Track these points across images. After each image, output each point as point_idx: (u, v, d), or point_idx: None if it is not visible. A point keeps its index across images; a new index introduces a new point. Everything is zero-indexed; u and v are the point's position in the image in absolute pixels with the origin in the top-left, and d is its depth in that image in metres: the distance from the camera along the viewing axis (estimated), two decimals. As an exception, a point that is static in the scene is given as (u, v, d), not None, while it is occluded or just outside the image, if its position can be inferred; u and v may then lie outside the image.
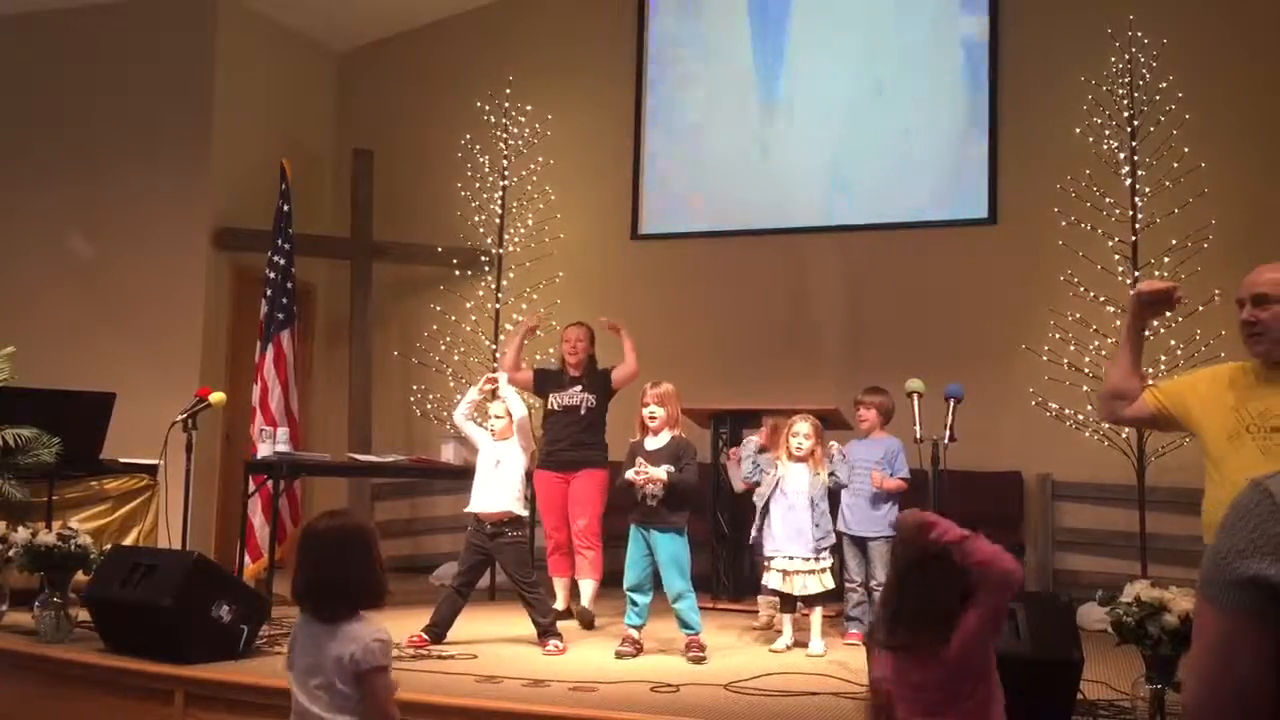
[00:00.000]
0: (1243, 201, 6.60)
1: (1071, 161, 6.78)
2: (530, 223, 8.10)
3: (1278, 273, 2.59)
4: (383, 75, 9.00)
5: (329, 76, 9.11)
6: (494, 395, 5.35)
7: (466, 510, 5.24)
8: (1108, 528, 6.81)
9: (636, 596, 4.95)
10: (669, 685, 4.19)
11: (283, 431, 6.38)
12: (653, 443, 5.03)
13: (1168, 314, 5.99)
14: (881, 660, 2.43)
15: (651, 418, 5.03)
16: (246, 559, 6.50)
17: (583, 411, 5.98)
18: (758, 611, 5.90)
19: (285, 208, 7.37)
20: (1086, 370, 6.46)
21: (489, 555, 5.20)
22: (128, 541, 5.83)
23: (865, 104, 7.84)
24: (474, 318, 8.02)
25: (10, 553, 4.85)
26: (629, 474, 4.93)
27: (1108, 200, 6.60)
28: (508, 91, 8.12)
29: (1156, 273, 6.29)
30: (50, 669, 4.48)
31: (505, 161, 8.08)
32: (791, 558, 5.03)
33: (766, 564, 5.20)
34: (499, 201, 8.09)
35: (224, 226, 7.95)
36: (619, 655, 4.84)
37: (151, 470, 6.13)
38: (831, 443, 5.21)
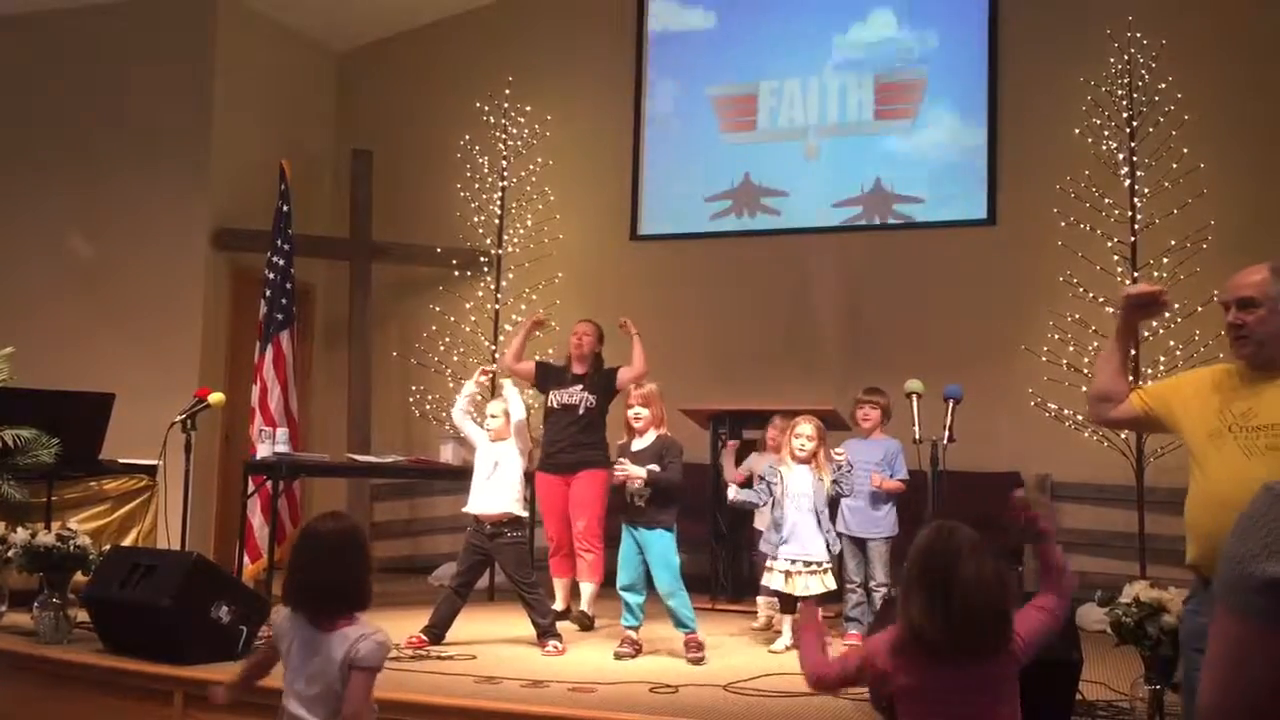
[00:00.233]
0: (1241, 202, 6.60)
1: (1071, 162, 6.78)
2: (529, 223, 8.10)
3: (1262, 275, 2.59)
4: (382, 76, 9.00)
5: (329, 77, 9.11)
6: (492, 388, 5.34)
7: (465, 511, 5.24)
8: (1107, 528, 6.81)
9: (629, 596, 4.95)
10: (668, 686, 4.19)
11: (282, 432, 6.38)
12: (639, 443, 5.04)
13: (1166, 314, 6.06)
14: (881, 648, 2.37)
15: (636, 418, 5.05)
16: (245, 559, 6.51)
17: (581, 411, 5.97)
18: (756, 612, 5.90)
19: (285, 208, 7.37)
20: (1086, 371, 6.46)
21: (488, 556, 5.20)
22: (127, 542, 5.83)
23: (865, 104, 7.84)
24: (473, 318, 8.03)
25: (9, 553, 4.85)
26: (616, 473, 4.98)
27: (1107, 201, 6.61)
28: (507, 92, 8.12)
29: (1155, 274, 6.30)
30: (49, 669, 4.48)
31: (505, 162, 8.08)
32: (794, 560, 5.03)
33: (769, 565, 5.21)
34: (498, 202, 8.09)
35: (223, 227, 7.94)
36: (618, 656, 4.85)
37: (151, 471, 6.12)
38: (836, 452, 5.18)
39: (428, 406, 8.07)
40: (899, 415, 5.46)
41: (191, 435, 5.62)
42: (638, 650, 4.91)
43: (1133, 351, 6.20)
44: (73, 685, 4.39)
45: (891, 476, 5.50)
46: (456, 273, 8.22)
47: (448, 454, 6.75)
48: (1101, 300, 6.45)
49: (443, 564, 7.48)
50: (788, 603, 5.11)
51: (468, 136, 8.15)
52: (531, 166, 8.09)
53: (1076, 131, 6.73)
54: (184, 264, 7.84)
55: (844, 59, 7.92)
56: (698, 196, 8.20)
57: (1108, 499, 6.74)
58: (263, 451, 6.20)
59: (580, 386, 6.01)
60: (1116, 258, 6.53)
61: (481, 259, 8.09)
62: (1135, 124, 6.58)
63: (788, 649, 5.05)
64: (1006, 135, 7.45)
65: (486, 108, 8.13)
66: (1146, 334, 6.33)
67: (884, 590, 5.43)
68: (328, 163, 8.93)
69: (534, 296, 7.94)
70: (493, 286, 8.00)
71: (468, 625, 5.25)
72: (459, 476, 6.10)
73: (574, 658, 4.87)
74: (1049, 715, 3.48)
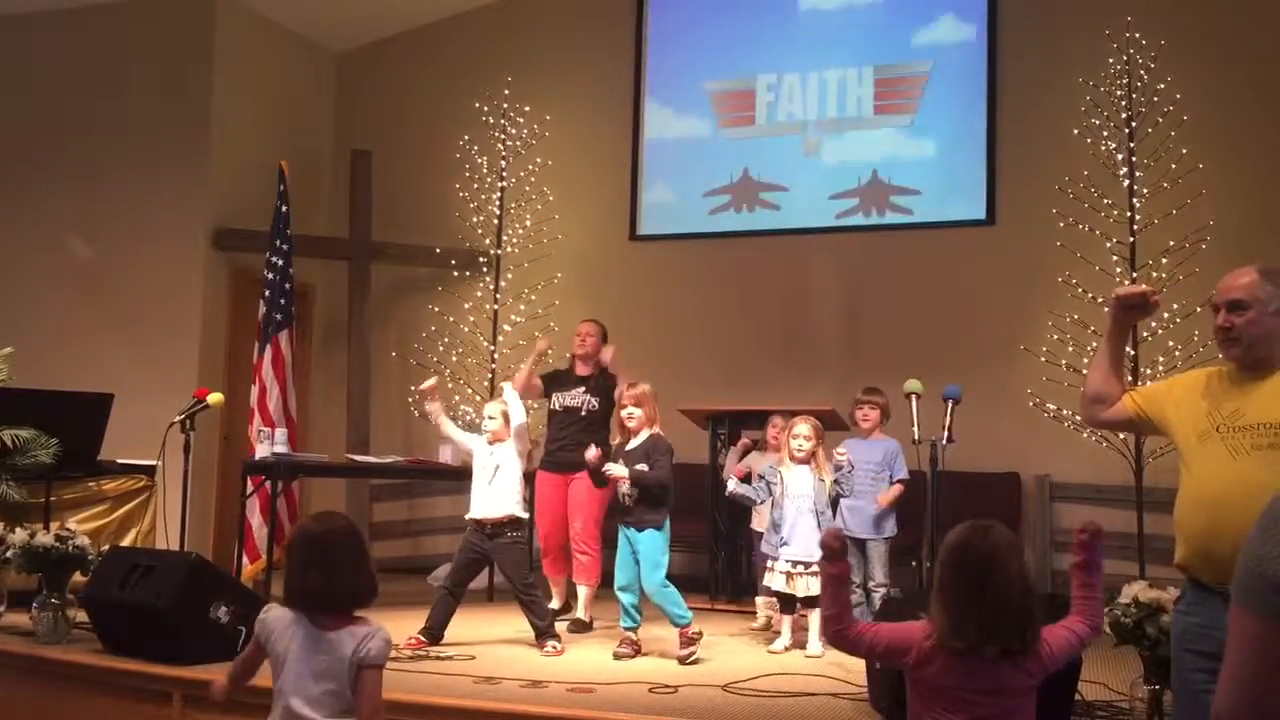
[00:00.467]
0: (1241, 202, 6.60)
1: (1070, 163, 6.79)
2: (529, 223, 8.10)
3: (1250, 277, 2.60)
4: (381, 76, 9.00)
5: (328, 77, 9.11)
6: (491, 389, 5.34)
7: (467, 517, 5.22)
8: (1106, 529, 6.78)
9: (625, 597, 4.95)
10: (667, 686, 4.19)
11: (281, 432, 6.38)
12: (632, 443, 5.05)
13: (1164, 315, 6.07)
14: (916, 637, 2.37)
15: (629, 418, 5.05)
16: (244, 560, 6.51)
17: (583, 412, 5.96)
18: (756, 613, 5.89)
19: (284, 208, 7.38)
20: (1085, 371, 6.43)
21: (485, 556, 5.20)
22: (126, 542, 5.82)
23: (865, 100, 7.85)
24: (472, 319, 8.02)
25: (8, 553, 4.84)
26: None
27: (1106, 201, 6.61)
28: (506, 92, 8.11)
29: (1154, 274, 6.30)
30: (48, 670, 4.48)
31: (504, 162, 8.08)
32: (795, 561, 5.03)
33: (769, 565, 5.20)
34: (497, 202, 8.09)
35: (222, 227, 7.94)
36: (617, 656, 4.85)
37: (149, 471, 6.11)
38: (838, 451, 5.18)
39: (427, 407, 8.05)
40: (898, 415, 5.46)
41: (190, 435, 5.62)
42: (637, 650, 4.91)
43: (1131, 352, 6.23)
44: (71, 685, 4.39)
45: (891, 476, 5.52)
46: (455, 273, 8.22)
47: (447, 454, 6.74)
48: (1100, 301, 6.44)
49: (441, 564, 7.46)
50: (787, 603, 5.11)
51: (467, 137, 8.15)
52: (531, 166, 8.09)
53: (1075, 131, 6.73)
54: (183, 264, 7.83)
55: (845, 55, 7.92)
56: (697, 195, 8.20)
57: (1106, 499, 6.74)
58: (261, 452, 6.20)
59: (583, 388, 5.99)
60: (1115, 258, 6.53)
61: (481, 259, 8.09)
62: (1134, 124, 6.58)
63: (787, 649, 5.06)
64: (1005, 135, 7.45)
65: (485, 108, 8.13)
66: (1145, 334, 6.33)
67: (883, 590, 5.44)
68: (327, 163, 8.93)
69: (533, 297, 7.94)
70: (492, 287, 8.00)
71: (467, 625, 5.25)
72: (458, 477, 6.10)
73: (573, 658, 4.88)
74: (1048, 715, 3.48)
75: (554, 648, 4.94)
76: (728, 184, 8.14)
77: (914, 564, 6.35)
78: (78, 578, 4.90)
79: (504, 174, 8.08)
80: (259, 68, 8.34)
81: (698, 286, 8.00)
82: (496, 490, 5.12)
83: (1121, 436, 6.22)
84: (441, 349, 8.04)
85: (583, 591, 5.78)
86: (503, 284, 8.02)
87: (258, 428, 6.76)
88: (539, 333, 7.20)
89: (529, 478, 6.24)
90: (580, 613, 5.74)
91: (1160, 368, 6.22)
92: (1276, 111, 6.79)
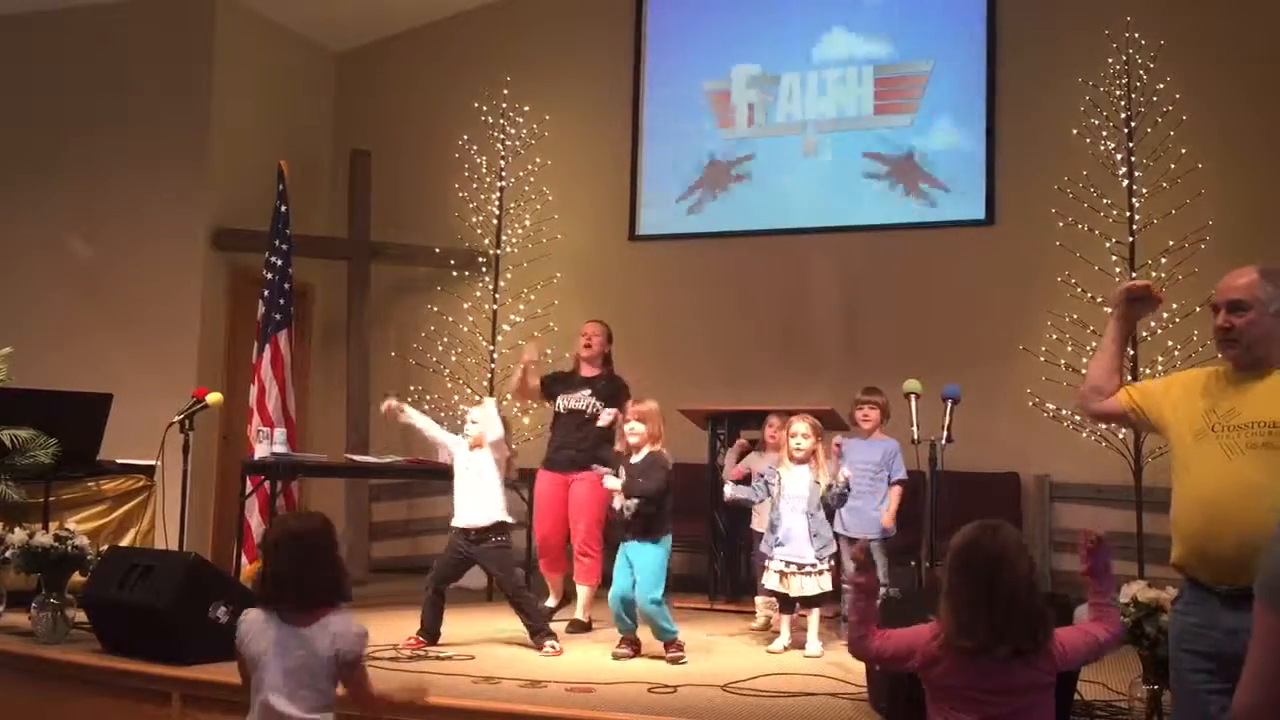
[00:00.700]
0: (1240, 202, 6.60)
1: (1069, 162, 6.78)
2: (528, 223, 8.09)
3: (1250, 277, 2.60)
4: (380, 76, 9.00)
5: (327, 77, 9.11)
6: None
7: (453, 524, 5.19)
8: (1105, 528, 6.80)
9: (619, 607, 4.93)
10: (666, 686, 4.19)
11: (280, 432, 6.38)
12: (634, 458, 5.03)
13: (1164, 314, 6.07)
14: (924, 640, 2.37)
15: (631, 433, 5.03)
16: (243, 560, 6.50)
17: (587, 415, 5.91)
18: (755, 613, 5.89)
19: (283, 208, 7.38)
20: (1084, 371, 6.44)
21: (469, 559, 5.17)
22: (125, 542, 5.82)
23: (864, 100, 7.84)
24: (471, 319, 8.02)
25: (7, 553, 4.84)
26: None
27: (1105, 201, 6.61)
28: (505, 92, 8.11)
29: (1154, 274, 6.29)
30: (47, 670, 4.48)
31: (503, 162, 8.08)
32: (789, 561, 5.02)
33: (765, 565, 5.20)
34: (496, 202, 8.09)
35: (222, 227, 7.94)
36: (616, 656, 4.85)
37: (149, 471, 6.11)
38: (837, 442, 5.17)
39: (426, 407, 8.03)
40: (897, 415, 5.46)
41: (190, 435, 5.61)
42: (636, 650, 4.91)
43: (1131, 352, 6.22)
44: (70, 685, 4.39)
45: (890, 476, 5.51)
46: (455, 273, 8.21)
47: (445, 455, 6.73)
48: (1100, 300, 6.44)
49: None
50: (787, 603, 5.11)
51: (466, 136, 8.14)
52: (530, 166, 8.09)
53: (1074, 131, 6.73)
54: (183, 264, 7.83)
55: (845, 56, 7.92)
56: (695, 196, 8.21)
57: (1106, 499, 6.74)
58: (261, 452, 6.19)
59: (588, 391, 5.93)
60: (1115, 258, 6.53)
61: (480, 259, 8.08)
62: (1133, 124, 6.58)
63: (786, 649, 5.05)
64: (1005, 135, 7.45)
65: (485, 108, 8.13)
66: (1145, 334, 6.33)
67: (883, 590, 5.43)
68: (326, 163, 8.93)
69: (532, 297, 7.93)
70: (491, 287, 7.99)
71: (466, 625, 5.26)
72: (457, 477, 6.09)
73: (572, 658, 4.88)
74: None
75: (553, 647, 4.94)
76: (698, 179, 8.15)
77: (913, 564, 6.35)
78: (77, 578, 4.90)
79: (503, 174, 8.08)
80: (259, 68, 8.34)
81: (697, 286, 8.00)
82: (481, 497, 5.11)
83: (1121, 436, 6.23)
84: (441, 349, 8.04)
85: (583, 592, 5.77)
86: (502, 284, 8.02)
87: (257, 427, 6.75)
88: (535, 333, 7.19)
89: (529, 478, 6.26)
90: (579, 613, 5.73)
91: (1160, 367, 6.21)
92: (1276, 111, 6.79)
